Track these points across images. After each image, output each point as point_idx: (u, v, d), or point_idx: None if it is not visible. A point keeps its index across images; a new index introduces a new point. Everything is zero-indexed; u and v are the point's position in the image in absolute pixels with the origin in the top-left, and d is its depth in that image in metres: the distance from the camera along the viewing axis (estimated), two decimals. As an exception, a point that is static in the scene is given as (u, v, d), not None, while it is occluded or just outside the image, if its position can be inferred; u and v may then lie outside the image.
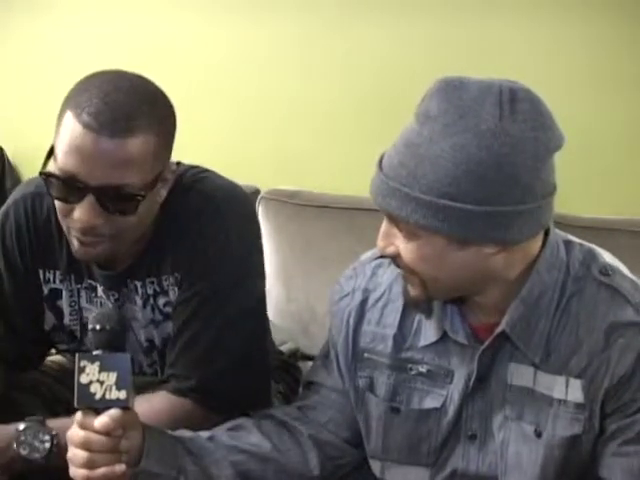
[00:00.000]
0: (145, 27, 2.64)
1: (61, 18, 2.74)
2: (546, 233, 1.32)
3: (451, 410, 1.37)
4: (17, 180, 2.80)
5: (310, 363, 1.70)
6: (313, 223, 2.32)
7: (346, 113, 2.45)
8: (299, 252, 2.32)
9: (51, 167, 1.45)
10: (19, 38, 2.79)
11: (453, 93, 1.21)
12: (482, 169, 1.19)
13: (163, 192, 1.51)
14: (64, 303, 1.66)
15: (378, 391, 1.43)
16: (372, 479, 1.47)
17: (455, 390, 1.37)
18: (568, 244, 1.35)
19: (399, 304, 1.41)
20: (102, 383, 1.26)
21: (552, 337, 1.31)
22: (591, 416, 1.30)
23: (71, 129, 1.40)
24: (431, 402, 1.39)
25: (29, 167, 2.80)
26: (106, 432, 1.26)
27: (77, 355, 1.28)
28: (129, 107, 1.40)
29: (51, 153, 1.45)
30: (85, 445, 1.27)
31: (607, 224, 2.05)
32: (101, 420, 1.26)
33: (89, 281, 1.63)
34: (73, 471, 1.29)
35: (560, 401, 1.31)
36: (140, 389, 1.79)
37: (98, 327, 1.29)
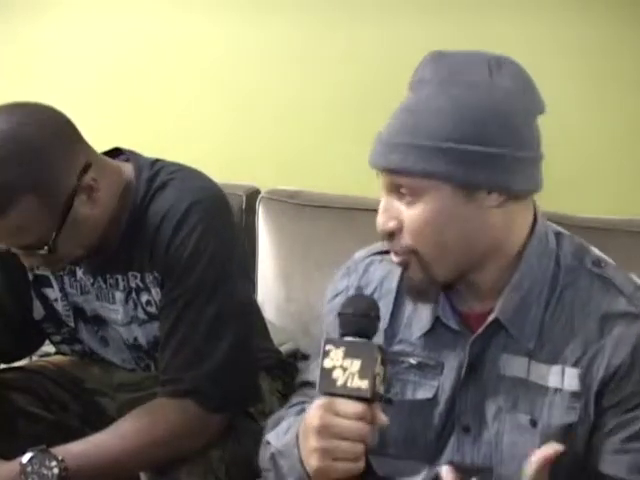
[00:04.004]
0: (144, 27, 2.64)
1: (61, 19, 2.74)
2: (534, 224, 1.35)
3: (443, 401, 1.38)
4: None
5: (310, 363, 1.69)
6: (313, 223, 2.31)
7: (346, 113, 2.45)
8: (299, 252, 2.31)
9: None
10: (20, 39, 2.79)
11: (444, 59, 1.30)
12: (479, 112, 1.25)
13: (101, 195, 1.51)
14: (55, 290, 1.69)
15: None
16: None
17: (446, 381, 1.38)
18: (558, 235, 1.37)
19: (390, 299, 1.43)
20: (345, 370, 1.19)
21: (546, 328, 1.32)
22: (586, 405, 1.31)
23: None
24: (423, 393, 1.40)
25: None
26: (361, 419, 1.19)
27: (323, 340, 1.23)
28: None
29: None
30: (342, 433, 1.19)
31: (606, 224, 2.05)
32: (355, 406, 1.18)
33: (69, 266, 1.65)
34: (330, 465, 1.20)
35: (556, 390, 1.32)
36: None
37: (350, 311, 1.24)
